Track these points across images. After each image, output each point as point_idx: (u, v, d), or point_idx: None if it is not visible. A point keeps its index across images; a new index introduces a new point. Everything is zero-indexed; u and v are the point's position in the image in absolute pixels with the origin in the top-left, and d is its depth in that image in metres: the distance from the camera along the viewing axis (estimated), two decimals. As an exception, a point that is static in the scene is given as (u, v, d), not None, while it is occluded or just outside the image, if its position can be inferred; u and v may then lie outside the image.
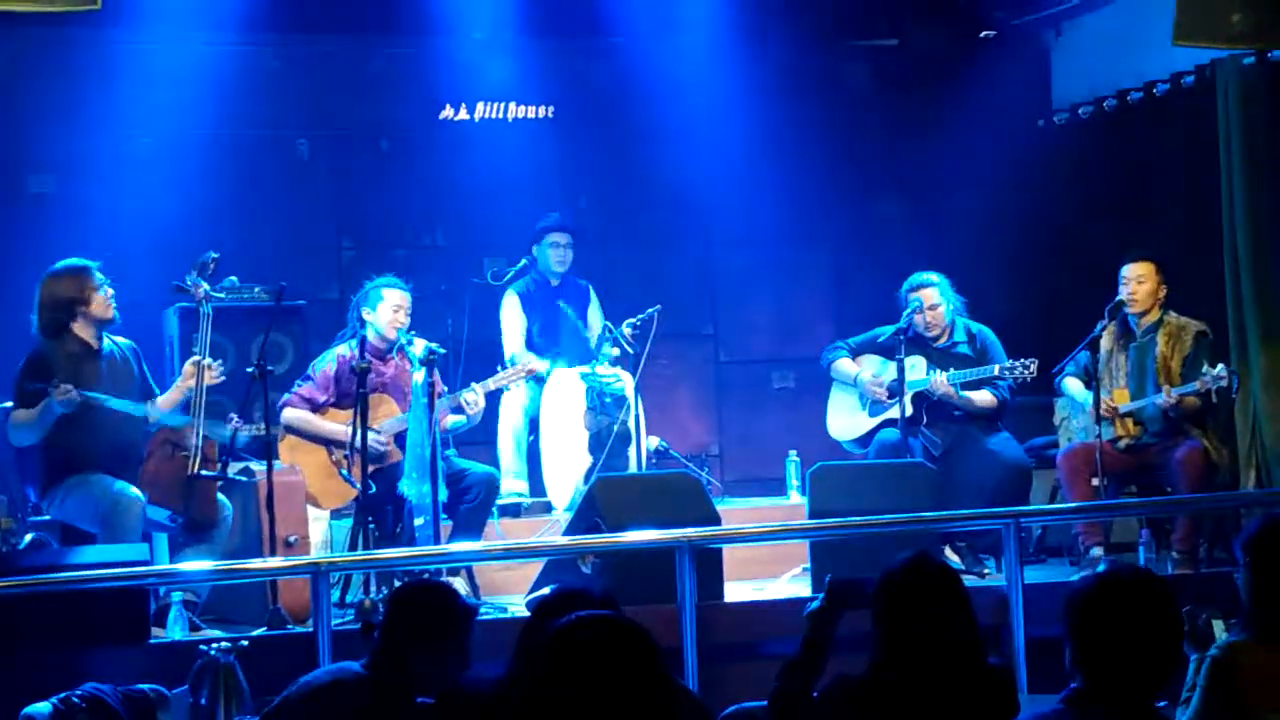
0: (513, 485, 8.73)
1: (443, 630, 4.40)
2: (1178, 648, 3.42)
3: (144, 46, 9.04)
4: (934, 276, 8.35)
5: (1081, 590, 3.43)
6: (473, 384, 7.87)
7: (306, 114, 9.82)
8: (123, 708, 5.25)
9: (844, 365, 8.56)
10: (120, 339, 7.21)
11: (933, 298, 8.30)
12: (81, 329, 7.01)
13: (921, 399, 8.20)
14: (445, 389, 7.85)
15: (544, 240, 9.10)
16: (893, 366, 8.10)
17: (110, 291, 7.02)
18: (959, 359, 8.28)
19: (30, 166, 9.27)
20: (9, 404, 6.96)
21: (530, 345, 9.03)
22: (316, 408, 7.85)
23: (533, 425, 8.84)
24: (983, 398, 8.21)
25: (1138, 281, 7.96)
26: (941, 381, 8.10)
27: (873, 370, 8.46)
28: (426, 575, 7.17)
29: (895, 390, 8.10)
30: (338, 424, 7.72)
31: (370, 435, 7.36)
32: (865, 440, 8.41)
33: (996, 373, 8.12)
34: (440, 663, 4.37)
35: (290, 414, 7.83)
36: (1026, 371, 8.02)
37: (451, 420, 7.87)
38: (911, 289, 8.32)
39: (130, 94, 9.02)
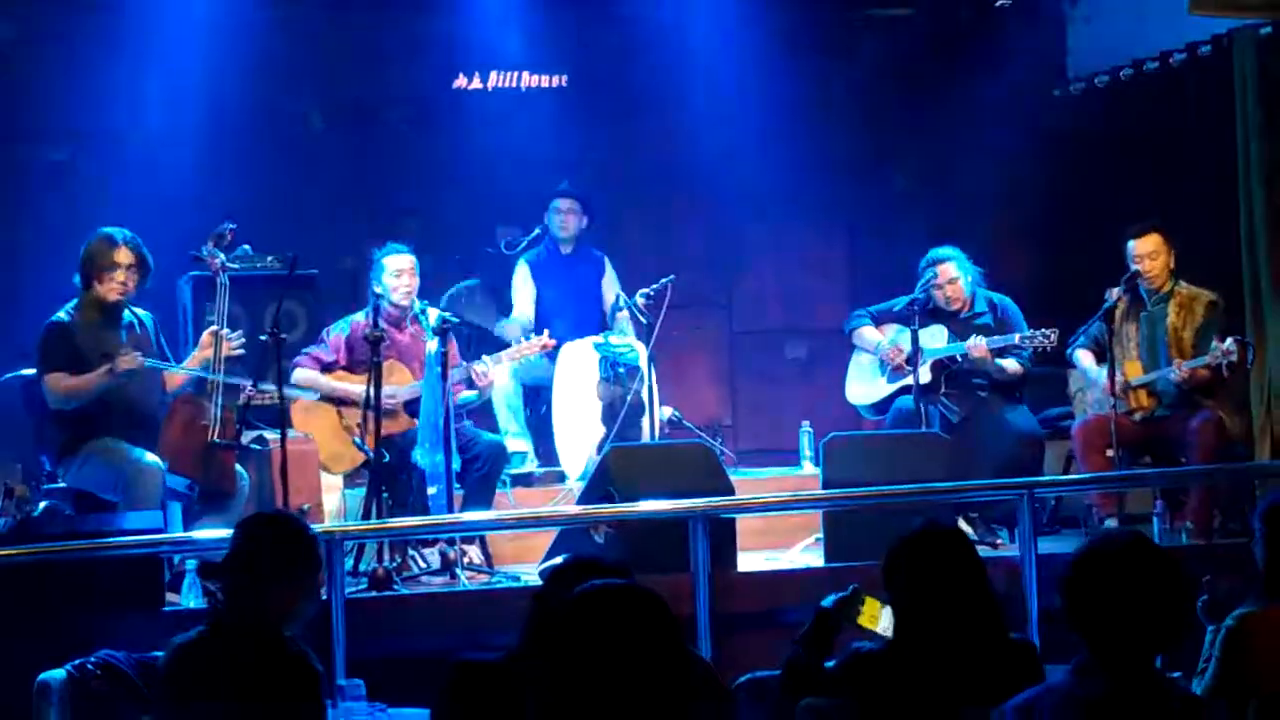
0: (515, 445, 8.68)
1: (293, 562, 4.30)
2: (1175, 608, 3.36)
3: (158, 17, 9.02)
4: (950, 250, 8.33)
5: (1072, 559, 3.42)
6: (483, 356, 7.87)
7: (320, 83, 9.81)
8: (137, 674, 5.26)
9: (866, 333, 8.56)
10: (139, 310, 7.23)
11: (950, 272, 8.28)
12: (95, 296, 7.03)
13: (940, 367, 8.20)
14: (461, 361, 7.85)
15: (549, 206, 9.10)
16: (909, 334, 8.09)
17: (125, 278, 7.00)
18: (981, 329, 8.25)
19: (46, 136, 9.27)
20: (27, 371, 6.98)
21: (539, 313, 9.03)
22: (325, 368, 7.89)
23: (537, 392, 8.84)
24: (1011, 365, 8.21)
25: (1150, 257, 7.93)
26: (980, 346, 8.07)
27: (892, 337, 8.46)
28: (441, 543, 7.22)
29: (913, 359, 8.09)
30: (344, 384, 7.78)
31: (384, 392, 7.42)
32: (883, 406, 8.41)
33: (1017, 341, 8.11)
34: (292, 596, 4.28)
35: (299, 374, 7.88)
36: (1047, 341, 8.00)
37: (464, 394, 7.87)
38: (929, 263, 8.31)
39: (144, 64, 9.02)
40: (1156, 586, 3.32)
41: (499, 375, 8.73)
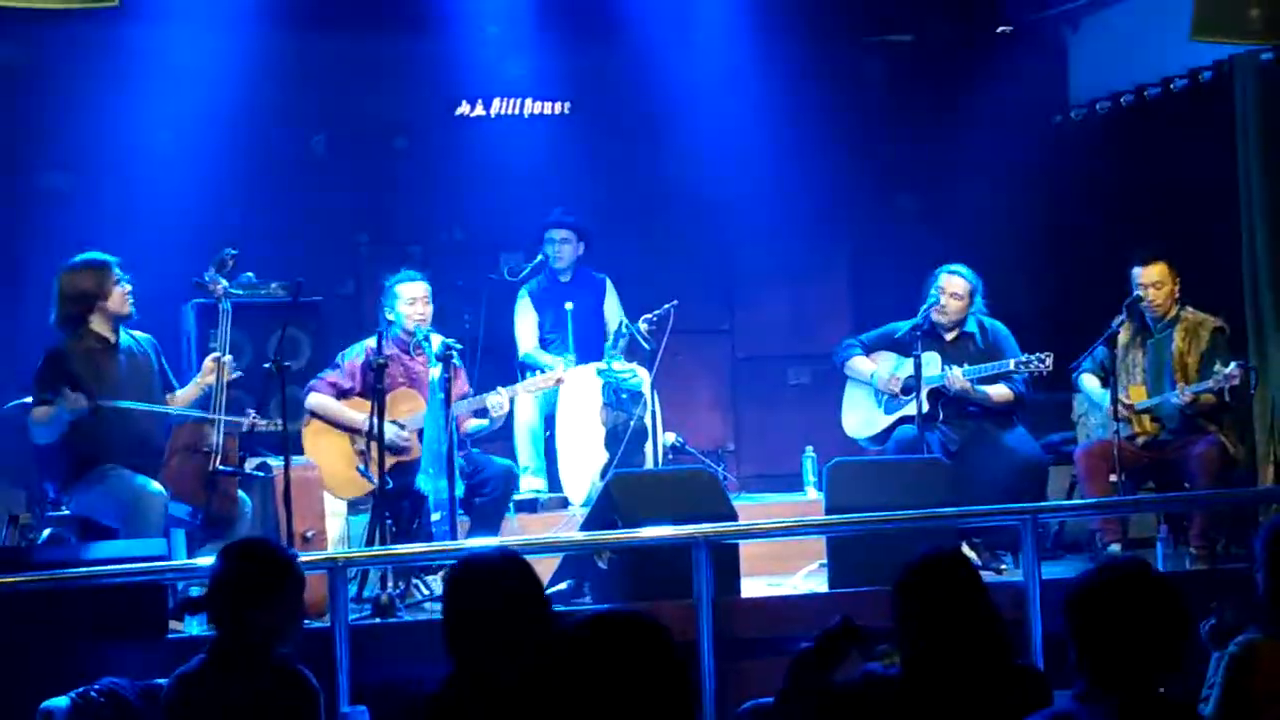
0: (530, 483, 8.74)
1: (271, 584, 4.35)
2: (1178, 636, 3.42)
3: (161, 44, 9.05)
4: (966, 269, 8.32)
5: (1078, 585, 3.46)
6: (499, 388, 7.87)
7: (323, 110, 9.84)
8: (140, 703, 5.26)
9: (858, 363, 8.54)
10: (139, 333, 7.24)
11: (960, 286, 8.26)
12: (99, 324, 7.04)
13: (938, 395, 8.19)
14: (469, 390, 7.89)
15: (544, 236, 9.12)
16: (909, 363, 8.08)
17: (129, 288, 7.06)
18: (970, 354, 8.26)
19: (47, 163, 9.29)
20: (28, 399, 6.99)
21: (542, 342, 9.04)
22: (341, 394, 7.89)
23: (548, 422, 8.85)
24: (999, 392, 8.20)
25: (1155, 287, 7.93)
26: (957, 377, 8.09)
27: (889, 367, 8.45)
28: (442, 570, 7.20)
29: (911, 387, 8.08)
30: (361, 413, 7.75)
31: (393, 428, 7.48)
32: (882, 437, 8.40)
33: (1012, 368, 8.10)
34: (276, 617, 4.34)
35: (315, 399, 7.88)
36: (1042, 365, 8.00)
37: (473, 424, 7.88)
38: (948, 273, 8.28)
39: (147, 91, 9.03)
40: (1157, 613, 3.37)
41: (524, 411, 8.75)
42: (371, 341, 7.86)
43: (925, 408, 8.08)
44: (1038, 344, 8.22)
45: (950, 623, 3.93)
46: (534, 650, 3.71)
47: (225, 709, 4.25)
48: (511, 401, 8.23)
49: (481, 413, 7.86)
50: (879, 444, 8.43)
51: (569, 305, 8.70)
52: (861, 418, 8.55)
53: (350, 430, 7.81)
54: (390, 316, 7.89)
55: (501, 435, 8.78)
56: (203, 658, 4.38)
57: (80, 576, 6.06)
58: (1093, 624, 3.40)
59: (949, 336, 8.34)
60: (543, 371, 8.42)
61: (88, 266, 7.05)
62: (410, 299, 7.88)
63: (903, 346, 8.22)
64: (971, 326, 8.34)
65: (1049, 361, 7.99)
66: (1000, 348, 8.28)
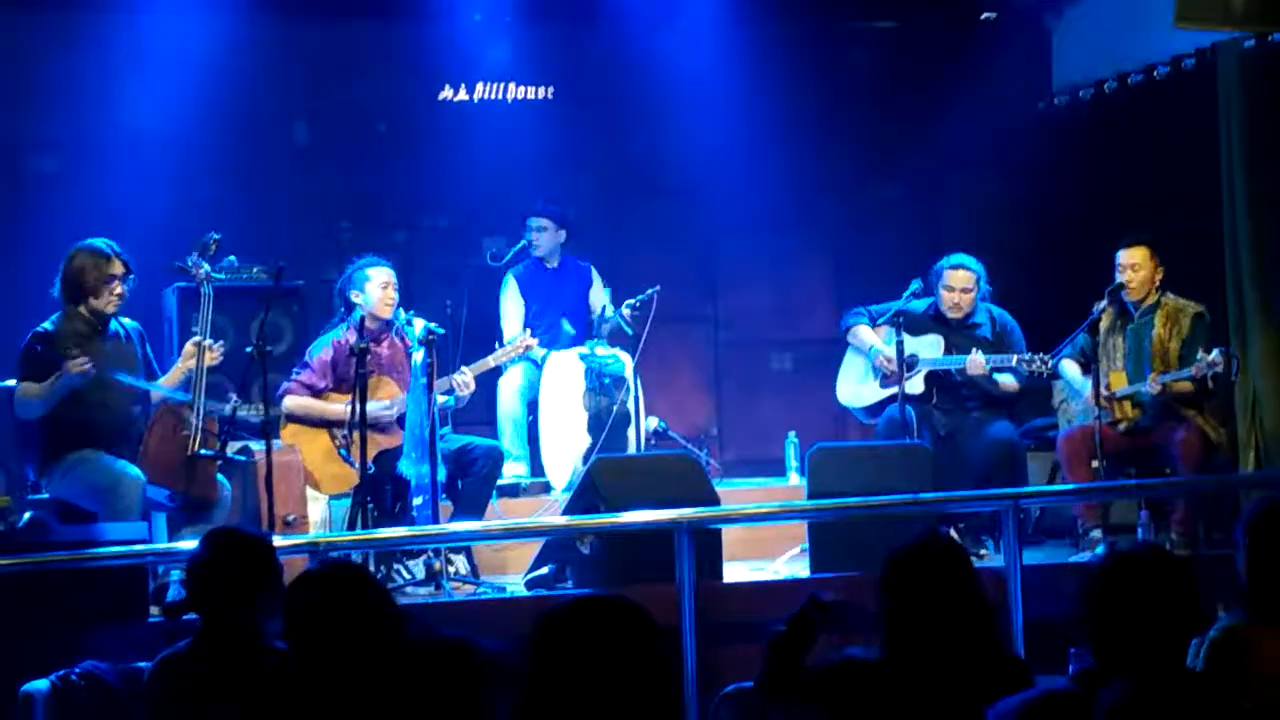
0: (512, 468, 8.73)
1: (254, 575, 4.38)
2: (1194, 625, 3.45)
3: (144, 28, 9.04)
4: (975, 264, 8.31)
5: (1098, 569, 3.46)
6: (463, 366, 7.87)
7: (306, 95, 9.81)
8: (121, 685, 5.25)
9: (863, 332, 8.51)
10: (126, 320, 7.23)
11: (967, 281, 8.26)
12: (88, 309, 7.02)
13: (934, 378, 8.19)
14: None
15: (526, 224, 9.11)
16: (911, 341, 8.07)
17: (122, 289, 7.01)
18: (978, 341, 8.25)
19: (30, 146, 9.27)
20: (11, 381, 6.97)
21: (529, 326, 9.02)
22: (317, 393, 7.83)
23: (531, 407, 8.84)
24: (1007, 382, 8.20)
25: (1133, 269, 7.95)
26: (979, 363, 8.07)
27: (888, 341, 8.42)
28: (427, 554, 7.21)
29: (909, 364, 8.06)
30: (340, 405, 7.72)
31: (379, 406, 7.46)
32: (875, 410, 8.39)
33: (1014, 363, 8.09)
34: (257, 608, 4.36)
35: (291, 401, 7.80)
36: (1044, 366, 7.99)
37: (440, 400, 7.86)
38: (951, 266, 8.28)
39: (130, 75, 9.03)
40: (1178, 602, 3.40)
41: (507, 396, 8.74)
42: (338, 333, 7.83)
43: (920, 388, 8.10)
44: (1020, 328, 8.24)
45: (940, 608, 3.92)
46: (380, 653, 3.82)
47: (212, 690, 4.26)
48: (494, 380, 8.21)
49: (448, 391, 7.85)
50: (872, 416, 8.42)
51: (566, 323, 8.65)
52: (856, 386, 8.54)
53: (330, 425, 7.76)
54: (358, 299, 7.85)
55: (484, 420, 8.79)
56: (189, 641, 4.38)
57: (61, 560, 6.05)
58: (1114, 604, 3.42)
59: (957, 323, 8.32)
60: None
61: (95, 259, 7.01)
62: (383, 283, 7.86)
63: (908, 325, 8.17)
64: (981, 316, 8.34)
65: (1050, 363, 7.99)
66: (1008, 340, 8.29)
